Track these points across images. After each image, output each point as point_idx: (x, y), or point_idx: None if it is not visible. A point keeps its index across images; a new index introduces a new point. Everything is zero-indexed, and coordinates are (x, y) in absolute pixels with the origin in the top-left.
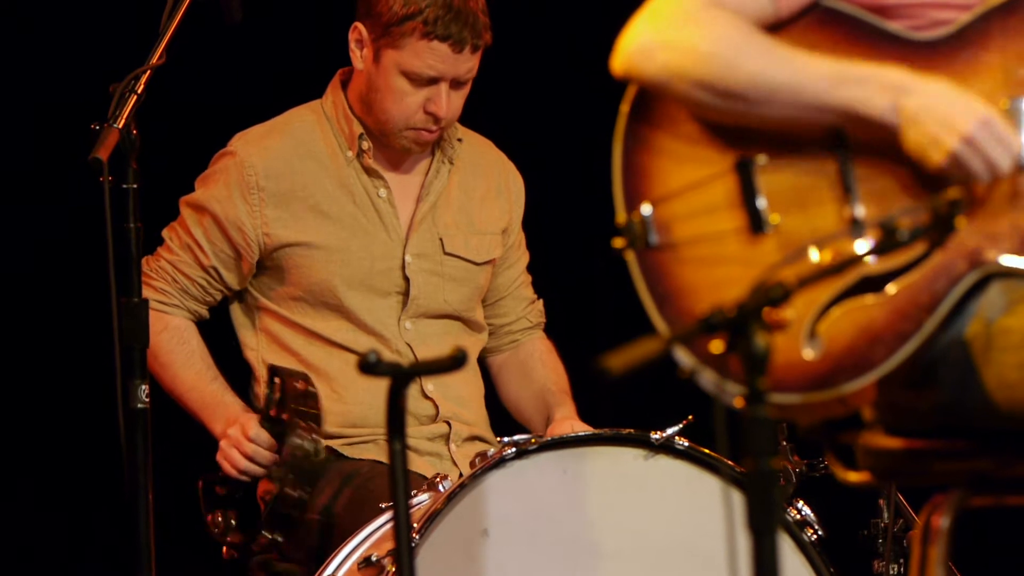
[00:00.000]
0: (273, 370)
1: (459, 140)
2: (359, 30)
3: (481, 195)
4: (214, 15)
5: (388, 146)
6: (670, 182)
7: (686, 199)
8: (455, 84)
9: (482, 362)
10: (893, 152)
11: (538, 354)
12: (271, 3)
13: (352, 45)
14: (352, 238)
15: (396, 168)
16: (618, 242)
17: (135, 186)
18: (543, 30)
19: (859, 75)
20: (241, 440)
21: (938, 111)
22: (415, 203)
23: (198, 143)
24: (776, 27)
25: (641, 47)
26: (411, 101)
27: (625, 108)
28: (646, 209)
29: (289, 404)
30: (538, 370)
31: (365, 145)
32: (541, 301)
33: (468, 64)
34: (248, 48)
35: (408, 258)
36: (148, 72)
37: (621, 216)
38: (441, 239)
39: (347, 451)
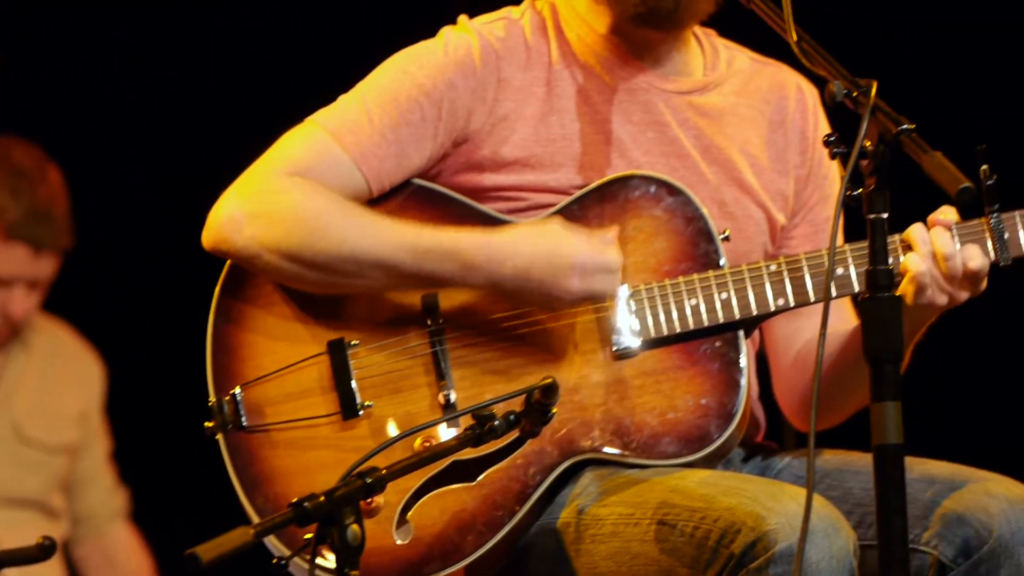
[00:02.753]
0: None
1: (34, 326)
2: None
3: (57, 380)
4: None
5: None
6: (264, 362)
7: (279, 381)
8: (32, 286)
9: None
10: (489, 333)
11: (122, 547)
12: None
13: None
14: None
15: None
16: (208, 424)
17: None
18: (135, 205)
19: (447, 249)
20: None
21: (532, 277)
22: None
23: None
24: (372, 203)
25: (229, 220)
26: None
27: (217, 285)
28: (237, 391)
29: None
30: (121, 566)
31: None
32: (125, 489)
33: (47, 267)
34: None
35: None
36: None
37: (211, 397)
38: (16, 426)
39: None
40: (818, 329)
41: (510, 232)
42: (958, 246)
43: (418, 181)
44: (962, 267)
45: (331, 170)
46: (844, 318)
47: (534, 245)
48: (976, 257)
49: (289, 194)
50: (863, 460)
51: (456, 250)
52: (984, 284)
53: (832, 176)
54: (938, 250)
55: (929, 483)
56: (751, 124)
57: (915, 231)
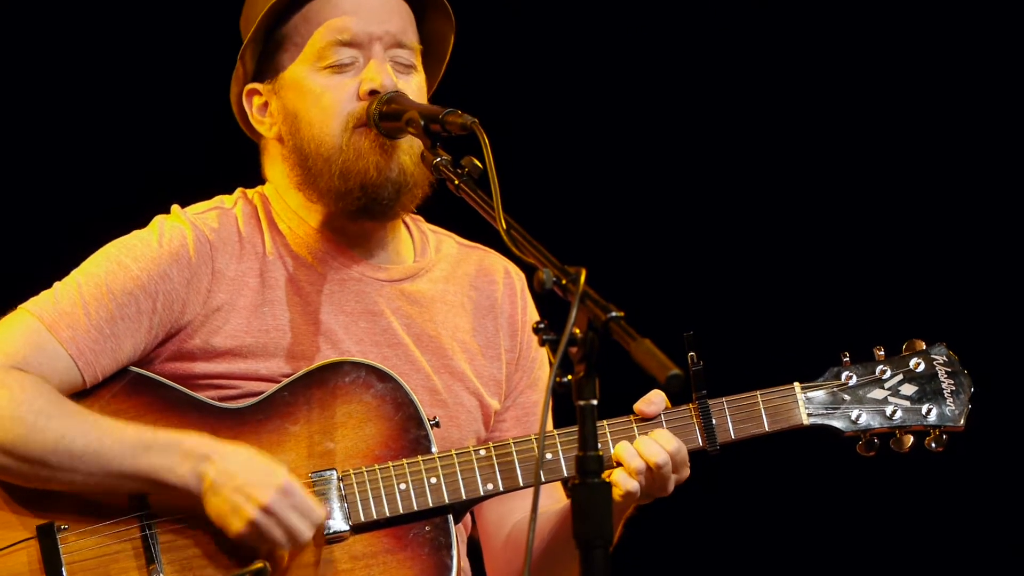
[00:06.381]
0: None
1: None
2: None
3: None
4: None
5: None
6: None
7: None
8: None
9: None
10: (199, 520)
11: None
12: None
13: None
14: None
15: None
16: None
17: None
18: None
19: (164, 442)
20: None
21: (238, 479)
22: None
23: None
24: (86, 392)
25: None
26: None
27: None
28: None
29: None
30: None
31: None
32: None
33: None
34: None
35: None
36: None
37: None
38: None
39: None
40: (529, 511)
41: (239, 445)
42: (672, 446)
43: (133, 369)
44: (672, 465)
45: (48, 364)
46: (555, 497)
47: (256, 463)
48: (682, 450)
49: (8, 389)
50: None
51: (173, 444)
52: (687, 470)
53: (541, 360)
54: (649, 460)
55: None
56: (460, 310)
57: (623, 449)
